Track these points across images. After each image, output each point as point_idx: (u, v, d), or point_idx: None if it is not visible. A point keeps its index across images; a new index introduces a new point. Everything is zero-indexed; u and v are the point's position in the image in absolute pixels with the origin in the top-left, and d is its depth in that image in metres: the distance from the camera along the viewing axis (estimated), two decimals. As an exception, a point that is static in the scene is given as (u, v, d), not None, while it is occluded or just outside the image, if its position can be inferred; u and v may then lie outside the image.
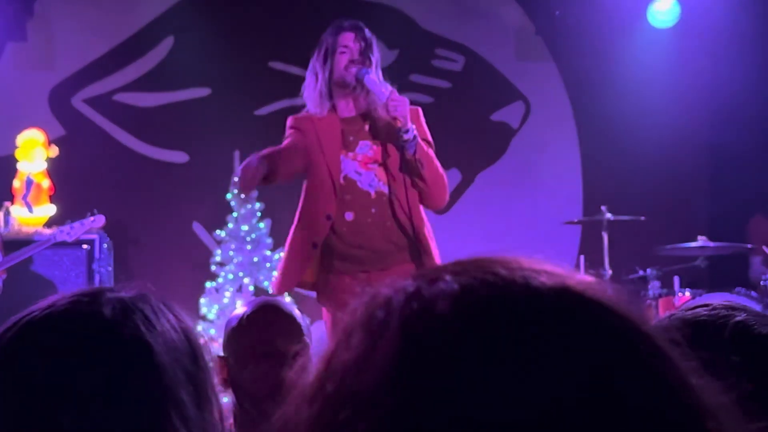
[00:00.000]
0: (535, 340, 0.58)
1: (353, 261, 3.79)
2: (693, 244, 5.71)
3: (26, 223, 5.71)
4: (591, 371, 0.58)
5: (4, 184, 5.96)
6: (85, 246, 5.50)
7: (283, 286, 3.96)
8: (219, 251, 6.43)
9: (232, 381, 2.29)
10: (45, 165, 5.97)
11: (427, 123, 3.92)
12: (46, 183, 5.92)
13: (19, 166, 5.93)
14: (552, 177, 7.18)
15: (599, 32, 7.06)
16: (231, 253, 6.35)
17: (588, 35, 7.08)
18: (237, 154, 6.81)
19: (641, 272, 5.80)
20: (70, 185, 6.19)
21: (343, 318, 0.66)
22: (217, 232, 6.50)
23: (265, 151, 3.77)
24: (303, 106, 3.97)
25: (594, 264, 5.76)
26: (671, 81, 7.05)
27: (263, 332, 2.28)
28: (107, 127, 6.88)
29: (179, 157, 6.92)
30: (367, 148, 3.82)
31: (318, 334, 4.10)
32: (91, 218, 5.09)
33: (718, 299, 1.33)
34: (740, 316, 1.27)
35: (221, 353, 2.36)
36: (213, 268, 6.36)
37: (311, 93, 3.85)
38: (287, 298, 5.91)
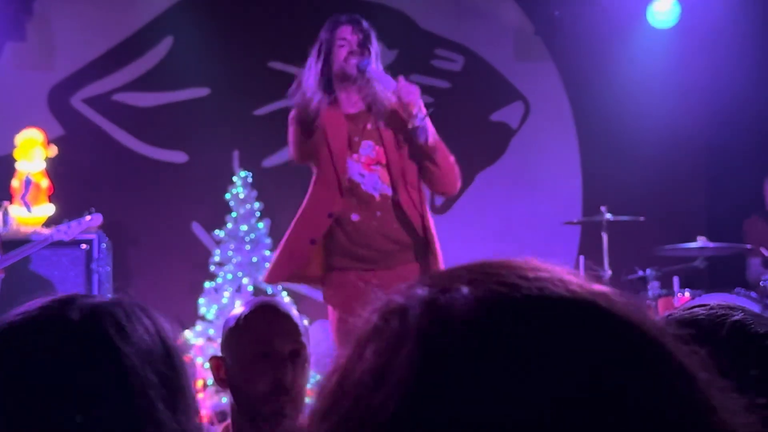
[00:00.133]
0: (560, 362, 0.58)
1: (359, 259, 3.80)
2: (692, 245, 5.70)
3: (25, 223, 5.70)
4: (592, 371, 0.58)
5: (2, 183, 5.96)
6: (83, 246, 5.50)
7: (272, 277, 3.96)
8: (218, 251, 6.42)
9: (230, 381, 2.29)
10: (44, 165, 5.97)
11: (427, 123, 3.94)
12: (44, 183, 5.92)
13: (17, 165, 5.93)
14: (551, 177, 7.17)
15: (599, 32, 7.06)
16: (230, 253, 6.35)
17: (587, 35, 7.07)
18: (236, 154, 6.82)
19: (641, 273, 5.79)
20: (69, 185, 6.18)
21: (354, 323, 0.65)
22: (216, 232, 6.49)
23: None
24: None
25: (593, 264, 5.75)
26: (671, 81, 7.05)
27: (261, 332, 2.28)
28: (106, 126, 6.87)
29: (178, 157, 6.91)
30: (370, 149, 3.82)
31: (316, 334, 4.10)
32: (89, 217, 5.07)
33: (717, 300, 1.33)
34: (737, 316, 1.27)
35: (219, 353, 2.37)
36: (212, 268, 6.35)
37: (308, 80, 3.80)
38: (286, 298, 5.91)
